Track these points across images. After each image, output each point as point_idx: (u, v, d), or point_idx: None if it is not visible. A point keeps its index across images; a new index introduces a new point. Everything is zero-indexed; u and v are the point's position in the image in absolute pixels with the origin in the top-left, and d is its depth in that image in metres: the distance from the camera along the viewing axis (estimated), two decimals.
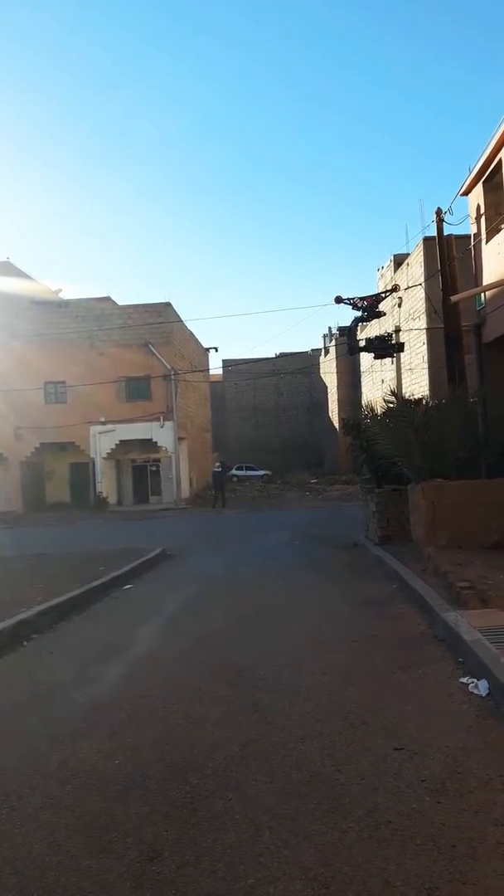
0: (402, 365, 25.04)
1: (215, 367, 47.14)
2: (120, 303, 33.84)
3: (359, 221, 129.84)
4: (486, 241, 13.60)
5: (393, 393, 14.29)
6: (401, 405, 12.42)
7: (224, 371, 53.70)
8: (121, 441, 31.14)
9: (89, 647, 6.40)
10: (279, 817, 2.97)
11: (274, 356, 52.86)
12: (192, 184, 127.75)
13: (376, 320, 20.29)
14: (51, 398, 31.57)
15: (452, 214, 14.29)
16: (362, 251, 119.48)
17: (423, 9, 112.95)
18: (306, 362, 52.64)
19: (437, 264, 14.63)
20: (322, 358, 51.11)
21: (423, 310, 22.42)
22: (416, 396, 15.51)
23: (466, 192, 14.40)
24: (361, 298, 17.39)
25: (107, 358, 30.76)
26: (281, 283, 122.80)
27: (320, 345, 53.96)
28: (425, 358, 23.02)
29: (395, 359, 23.33)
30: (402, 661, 5.18)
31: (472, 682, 4.46)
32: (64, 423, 30.35)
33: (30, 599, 7.93)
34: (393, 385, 24.11)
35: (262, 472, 45.69)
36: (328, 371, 47.86)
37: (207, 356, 39.71)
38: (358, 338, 20.45)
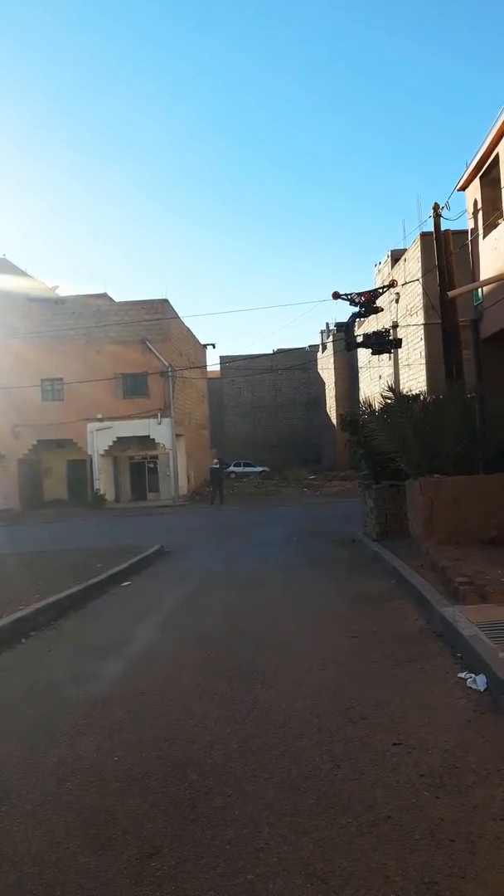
0: (399, 361, 25.04)
1: (213, 364, 47.06)
2: (117, 299, 33.76)
3: (356, 217, 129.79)
4: (484, 237, 13.59)
5: (390, 389, 14.27)
6: (398, 401, 12.41)
7: (222, 367, 53.61)
8: (118, 438, 31.10)
9: (88, 645, 6.40)
10: (278, 813, 2.97)
11: (271, 352, 52.91)
12: (188, 180, 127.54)
13: (374, 316, 20.27)
14: (48, 395, 31.50)
15: (449, 210, 14.29)
16: (359, 247, 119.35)
17: (421, 5, 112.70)
18: (304, 358, 52.58)
19: (434, 260, 14.62)
20: (320, 354, 51.07)
21: (421, 305, 22.41)
22: (413, 392, 15.49)
23: (463, 188, 14.38)
24: (359, 294, 17.41)
25: (104, 355, 30.69)
26: (278, 279, 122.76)
27: (318, 341, 53.93)
28: (423, 353, 23.00)
29: (392, 354, 23.37)
30: (401, 656, 5.19)
31: (471, 677, 4.47)
32: (61, 420, 30.29)
33: (28, 597, 7.92)
34: (390, 381, 24.12)
35: (259, 469, 45.68)
36: (326, 367, 47.84)
37: (205, 353, 39.64)
38: (355, 334, 20.47)
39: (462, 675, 4.59)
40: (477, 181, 13.75)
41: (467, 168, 13.77)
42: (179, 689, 4.79)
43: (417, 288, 22.33)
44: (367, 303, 17.48)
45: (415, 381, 23.36)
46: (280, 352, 53.10)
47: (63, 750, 3.83)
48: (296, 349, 54.16)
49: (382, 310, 19.78)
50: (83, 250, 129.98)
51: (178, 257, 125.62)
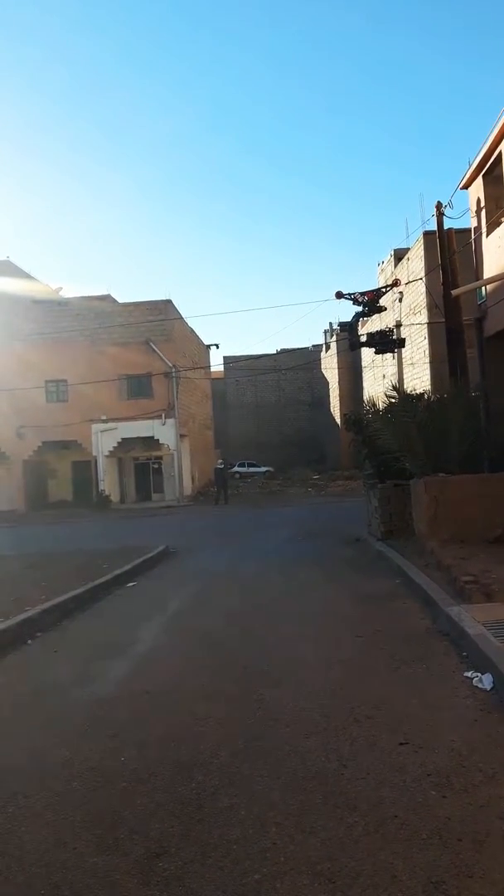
0: (403, 360, 24.99)
1: (216, 364, 47.12)
2: (120, 300, 33.82)
3: (359, 216, 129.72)
4: (487, 235, 13.56)
5: (394, 388, 14.27)
6: (402, 400, 12.41)
7: (225, 368, 53.66)
8: (123, 439, 31.15)
9: (94, 645, 6.41)
10: (285, 813, 2.97)
11: (275, 352, 52.92)
12: (191, 181, 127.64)
13: (377, 315, 20.26)
14: (52, 397, 31.58)
15: (452, 208, 14.31)
16: (362, 246, 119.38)
17: (423, 4, 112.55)
18: (307, 358, 52.59)
19: (437, 258, 14.61)
20: (323, 353, 51.06)
21: (424, 304, 22.39)
22: (417, 391, 15.48)
23: (466, 186, 14.36)
24: (362, 293, 17.40)
25: (108, 356, 30.75)
26: (281, 279, 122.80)
27: (321, 340, 53.96)
28: (427, 352, 22.98)
29: (396, 354, 23.30)
30: (406, 655, 5.18)
31: (477, 677, 4.46)
32: (66, 421, 30.35)
33: (34, 598, 7.94)
34: (394, 380, 24.01)
35: (264, 469, 45.72)
36: (329, 367, 47.83)
37: (208, 353, 39.66)
38: (359, 333, 20.47)
39: (468, 674, 4.58)
40: (480, 179, 13.73)
41: (470, 166, 13.74)
42: (185, 690, 4.80)
43: (421, 287, 22.31)
44: (370, 302, 17.47)
45: (419, 380, 23.34)
46: (283, 352, 53.12)
47: (70, 750, 3.84)
48: (299, 349, 54.20)
49: (386, 309, 19.75)
50: (86, 252, 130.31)
51: (180, 258, 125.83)
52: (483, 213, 13.71)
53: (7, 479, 31.21)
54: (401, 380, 23.45)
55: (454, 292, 13.59)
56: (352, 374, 41.80)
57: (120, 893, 2.49)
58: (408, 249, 25.53)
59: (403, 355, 24.53)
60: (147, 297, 32.48)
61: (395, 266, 27.35)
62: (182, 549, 13.58)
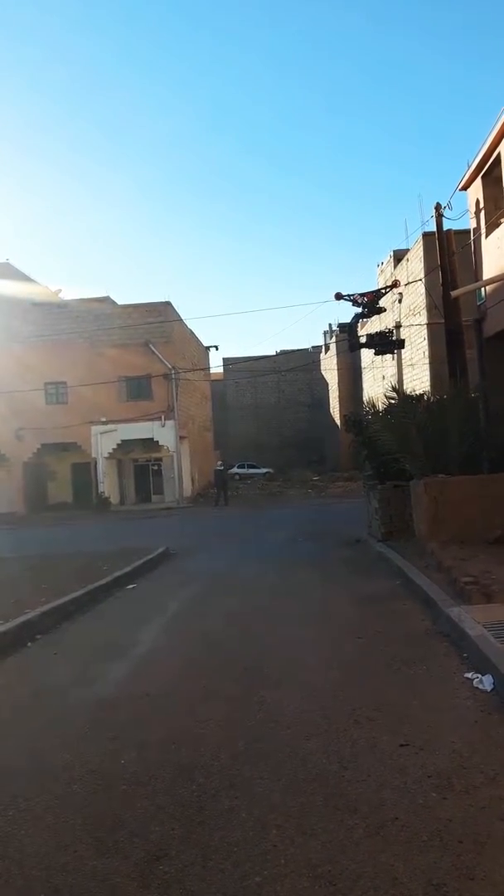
0: (403, 361, 25.01)
1: (216, 366, 47.14)
2: (120, 302, 33.83)
3: (358, 217, 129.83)
4: (486, 236, 13.58)
5: (394, 389, 14.27)
6: (402, 401, 12.41)
7: (225, 369, 53.69)
8: (122, 441, 31.16)
9: (94, 647, 6.40)
10: (285, 815, 2.96)
11: (274, 354, 52.94)
12: (190, 181, 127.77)
13: (377, 316, 20.27)
14: (52, 399, 31.59)
15: (451, 209, 14.31)
16: (362, 247, 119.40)
17: (422, 4, 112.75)
18: (307, 359, 52.62)
19: (436, 259, 14.62)
20: (323, 355, 51.08)
21: (424, 305, 22.39)
22: (417, 392, 15.48)
23: (465, 187, 14.38)
24: (361, 295, 17.39)
25: (107, 358, 30.76)
26: (281, 280, 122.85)
27: (321, 342, 53.97)
28: (426, 353, 22.99)
29: (395, 355, 23.32)
30: (407, 657, 5.18)
31: (477, 678, 4.45)
32: (65, 423, 30.35)
33: (34, 600, 7.93)
34: (394, 381, 24.01)
35: (264, 470, 45.73)
36: (329, 368, 47.84)
37: (208, 355, 39.69)
38: (359, 334, 20.46)
39: (468, 675, 4.57)
40: (479, 181, 13.74)
41: (469, 167, 13.76)
42: (185, 692, 4.79)
43: (420, 288, 22.32)
44: (369, 303, 17.46)
45: (418, 381, 23.34)
46: (283, 353, 53.17)
47: (70, 753, 3.83)
48: (299, 350, 54.23)
49: (385, 310, 19.77)
50: (85, 253, 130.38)
51: (180, 259, 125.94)
52: (482, 214, 13.73)
53: (7, 481, 31.20)
54: (400, 381, 23.46)
55: (454, 293, 13.60)
56: (351, 376, 41.82)
57: None
58: (407, 250, 25.55)
59: (403, 356, 24.55)
60: (146, 299, 32.53)
61: (395, 267, 27.36)
62: (182, 551, 13.57)
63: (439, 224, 14.20)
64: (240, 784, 3.30)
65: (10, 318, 30.92)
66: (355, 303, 17.41)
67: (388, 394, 13.64)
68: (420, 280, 22.10)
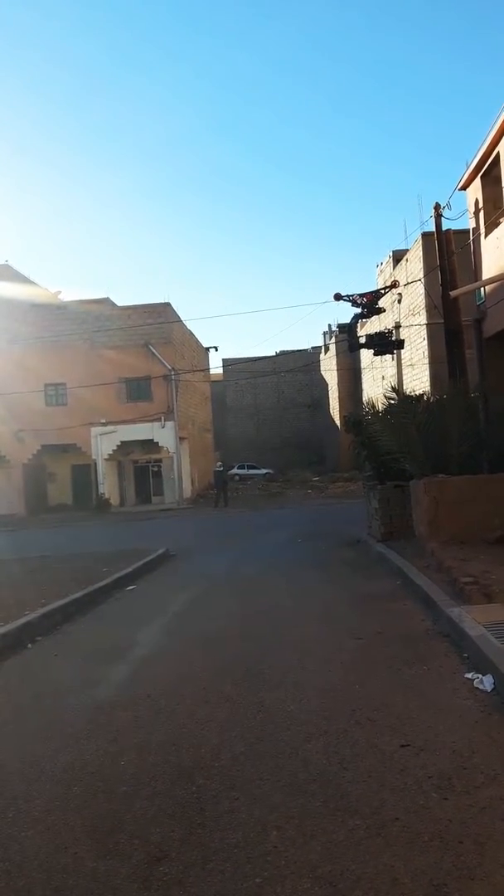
0: (402, 361, 25.02)
1: (215, 367, 47.21)
2: (119, 303, 33.84)
3: (357, 218, 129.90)
4: (485, 236, 13.58)
5: (394, 389, 14.26)
6: (402, 401, 12.40)
7: (224, 370, 53.70)
8: (122, 442, 31.16)
9: (94, 649, 6.40)
10: (286, 816, 2.96)
11: (274, 354, 52.91)
12: (189, 182, 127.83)
13: (376, 317, 20.25)
14: (51, 400, 31.59)
15: (451, 209, 14.31)
16: (361, 247, 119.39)
17: (421, 3, 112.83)
18: (306, 360, 52.63)
19: (436, 259, 14.62)
20: (322, 355, 51.09)
21: (423, 305, 22.41)
22: (417, 392, 15.48)
23: (464, 187, 14.38)
24: (361, 295, 17.38)
25: (107, 359, 30.77)
26: (280, 280, 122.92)
27: (320, 342, 53.98)
28: (426, 354, 23.00)
29: (395, 355, 23.31)
30: (407, 657, 5.17)
31: (478, 678, 4.45)
32: (65, 425, 30.36)
33: (34, 602, 7.93)
34: (394, 381, 24.03)
35: (263, 471, 45.73)
36: (328, 368, 47.85)
37: (207, 356, 39.70)
38: (358, 335, 20.44)
39: (469, 675, 4.57)
40: (478, 180, 13.75)
41: (468, 167, 13.77)
42: (185, 693, 4.78)
43: (420, 288, 22.33)
44: (369, 304, 17.44)
45: (418, 381, 23.35)
46: (282, 354, 53.15)
47: (70, 754, 3.83)
48: (298, 351, 54.25)
49: (385, 310, 19.76)
50: (85, 255, 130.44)
51: (179, 260, 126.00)
52: (481, 213, 13.73)
53: (6, 482, 31.20)
54: (400, 381, 23.47)
55: (453, 293, 13.61)
56: (351, 376, 41.82)
57: None
58: (406, 251, 25.56)
59: (402, 357, 24.56)
60: (146, 300, 32.58)
61: (394, 267, 27.38)
62: (182, 552, 13.57)
63: (438, 224, 14.21)
64: (240, 785, 3.29)
65: (10, 319, 30.93)
66: (355, 303, 17.39)
67: (387, 394, 13.63)
68: (419, 280, 22.11)
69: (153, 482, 33.65)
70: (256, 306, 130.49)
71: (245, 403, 57.91)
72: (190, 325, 36.85)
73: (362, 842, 2.70)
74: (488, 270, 13.38)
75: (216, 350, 36.79)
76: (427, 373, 22.61)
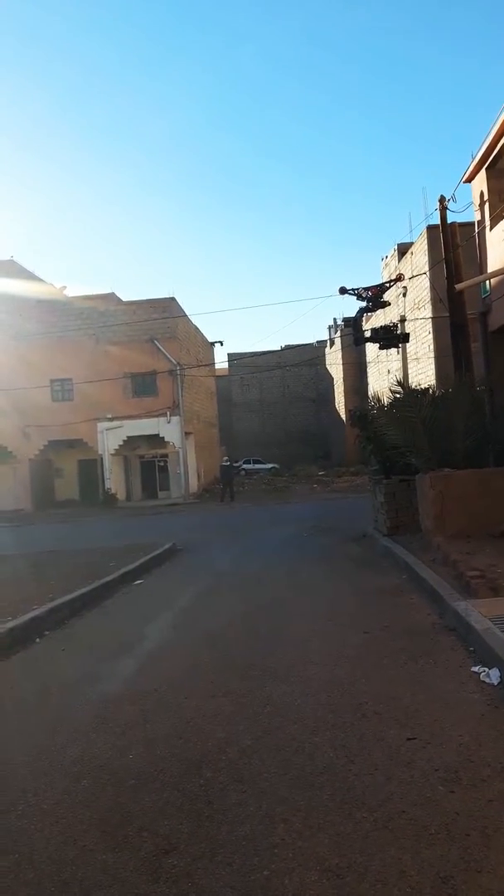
0: (408, 355, 24.97)
1: (221, 362, 47.09)
2: (124, 299, 33.81)
3: (362, 211, 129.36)
4: (491, 228, 13.49)
5: (399, 383, 14.21)
6: (407, 395, 12.35)
7: (230, 365, 53.61)
8: (128, 437, 31.18)
9: (101, 643, 6.43)
10: (293, 809, 2.98)
11: (279, 349, 52.81)
12: (194, 177, 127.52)
13: (381, 310, 20.20)
14: (57, 396, 31.62)
15: (456, 202, 14.20)
16: (366, 241, 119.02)
17: None
18: (312, 354, 52.53)
19: (441, 253, 14.55)
20: (328, 349, 50.99)
21: (428, 299, 22.33)
22: (422, 386, 15.43)
23: (469, 179, 14.28)
24: (366, 289, 17.32)
25: (112, 354, 30.76)
26: (285, 275, 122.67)
27: (325, 336, 53.82)
28: (431, 347, 22.92)
29: (400, 349, 23.25)
30: (413, 651, 5.18)
31: (484, 671, 4.45)
32: (71, 420, 30.40)
33: (41, 596, 7.97)
34: (399, 375, 24.03)
35: (269, 466, 45.73)
36: (334, 362, 47.74)
37: (213, 350, 39.64)
38: (363, 328, 20.39)
39: (475, 669, 4.58)
40: (483, 172, 13.65)
41: (473, 159, 13.67)
42: (192, 687, 4.81)
43: (425, 281, 22.24)
44: (374, 297, 17.38)
45: (423, 374, 23.28)
46: (288, 348, 53.00)
47: (78, 748, 3.86)
48: (304, 345, 54.07)
49: (390, 304, 19.67)
50: (90, 250, 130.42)
51: (184, 255, 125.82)
52: (487, 206, 13.64)
53: (13, 478, 31.29)
54: (405, 375, 23.45)
55: (458, 286, 13.54)
56: (356, 370, 41.73)
57: (129, 890, 2.51)
58: (411, 244, 25.45)
59: (408, 350, 24.51)
60: (151, 295, 32.49)
61: (399, 261, 27.26)
62: (189, 547, 13.60)
63: (443, 217, 14.12)
64: (247, 778, 3.31)
65: (15, 315, 30.94)
66: (359, 297, 17.34)
67: (393, 388, 13.59)
68: (424, 273, 22.02)
69: (159, 477, 33.68)
70: (261, 301, 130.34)
71: (250, 398, 57.87)
72: (195, 320, 36.79)
73: (369, 834, 2.72)
74: (494, 263, 13.30)
75: (221, 345, 36.80)
76: (432, 366, 22.54)
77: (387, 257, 30.96)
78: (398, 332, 19.26)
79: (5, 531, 21.14)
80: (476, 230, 14.39)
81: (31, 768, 3.66)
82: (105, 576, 9.50)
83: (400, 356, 25.49)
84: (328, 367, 51.49)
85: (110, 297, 33.35)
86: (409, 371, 24.85)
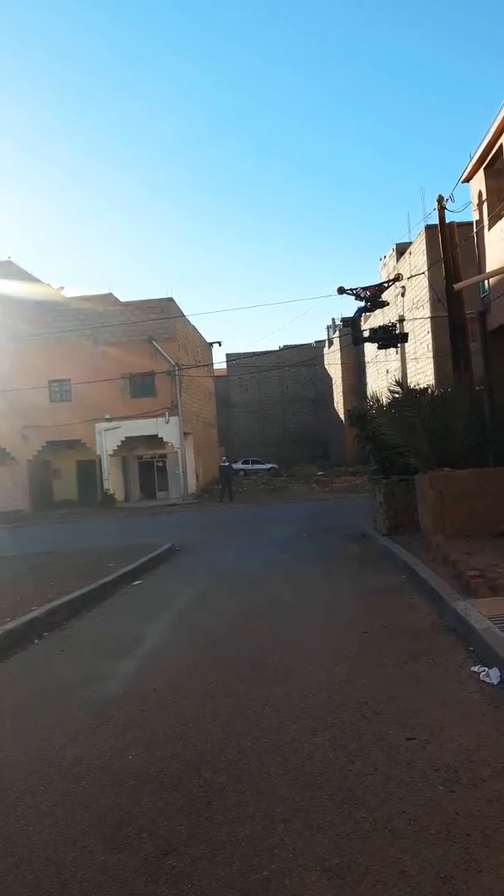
0: (406, 355, 24.97)
1: (219, 362, 47.09)
2: (122, 299, 33.79)
3: (361, 211, 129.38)
4: (489, 228, 13.50)
5: (398, 383, 14.23)
6: (406, 395, 12.36)
7: (228, 365, 53.58)
8: (126, 438, 31.17)
9: (100, 644, 6.42)
10: (293, 809, 2.97)
11: (278, 349, 52.82)
12: (192, 178, 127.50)
13: (380, 310, 20.21)
14: (56, 397, 31.61)
15: (454, 202, 14.21)
16: (364, 241, 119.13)
17: None
18: (310, 354, 52.56)
19: (439, 252, 14.55)
20: (326, 349, 51.00)
21: (427, 298, 22.33)
22: (421, 386, 15.44)
23: (468, 179, 14.28)
24: (364, 289, 17.32)
25: (110, 355, 30.75)
26: (283, 275, 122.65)
27: (324, 336, 53.84)
28: (430, 347, 22.93)
29: (399, 349, 23.27)
30: (413, 651, 5.18)
31: (484, 671, 4.45)
32: (69, 421, 30.39)
33: (40, 597, 7.96)
34: (398, 375, 24.04)
35: (268, 466, 45.74)
36: (332, 362, 47.75)
37: (211, 351, 39.64)
38: (362, 328, 20.41)
39: (475, 668, 4.57)
40: (481, 172, 13.66)
41: (471, 159, 13.67)
42: (192, 687, 4.80)
43: (423, 281, 22.24)
44: (372, 297, 17.39)
45: (422, 374, 23.29)
46: (286, 348, 53.02)
47: (77, 749, 3.85)
48: (302, 345, 54.13)
49: (388, 304, 19.67)
50: (88, 250, 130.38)
51: (182, 256, 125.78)
52: (485, 206, 13.65)
53: (12, 479, 31.26)
54: (404, 375, 23.45)
55: (457, 286, 13.54)
56: (355, 370, 41.75)
57: (129, 891, 2.50)
58: (410, 244, 25.47)
59: (407, 350, 24.52)
60: (149, 296, 32.47)
61: (398, 260, 27.28)
62: (187, 547, 13.59)
63: (442, 217, 14.13)
64: (247, 779, 3.30)
65: (13, 316, 30.92)
66: (358, 297, 17.34)
67: (391, 388, 13.60)
68: (423, 273, 22.01)
69: (158, 478, 33.67)
70: (260, 301, 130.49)
71: (249, 398, 57.87)
72: (193, 321, 36.79)
73: (369, 834, 2.71)
74: (492, 263, 13.31)
75: (220, 345, 36.85)
76: (431, 366, 22.55)
77: (385, 257, 30.98)
78: (397, 331, 19.28)
79: (4, 532, 21.10)
80: (474, 230, 14.40)
81: (31, 769, 3.65)
82: (104, 576, 9.49)
83: (399, 356, 25.50)
84: (327, 367, 51.51)
85: (108, 298, 33.32)
86: (408, 371, 24.86)
